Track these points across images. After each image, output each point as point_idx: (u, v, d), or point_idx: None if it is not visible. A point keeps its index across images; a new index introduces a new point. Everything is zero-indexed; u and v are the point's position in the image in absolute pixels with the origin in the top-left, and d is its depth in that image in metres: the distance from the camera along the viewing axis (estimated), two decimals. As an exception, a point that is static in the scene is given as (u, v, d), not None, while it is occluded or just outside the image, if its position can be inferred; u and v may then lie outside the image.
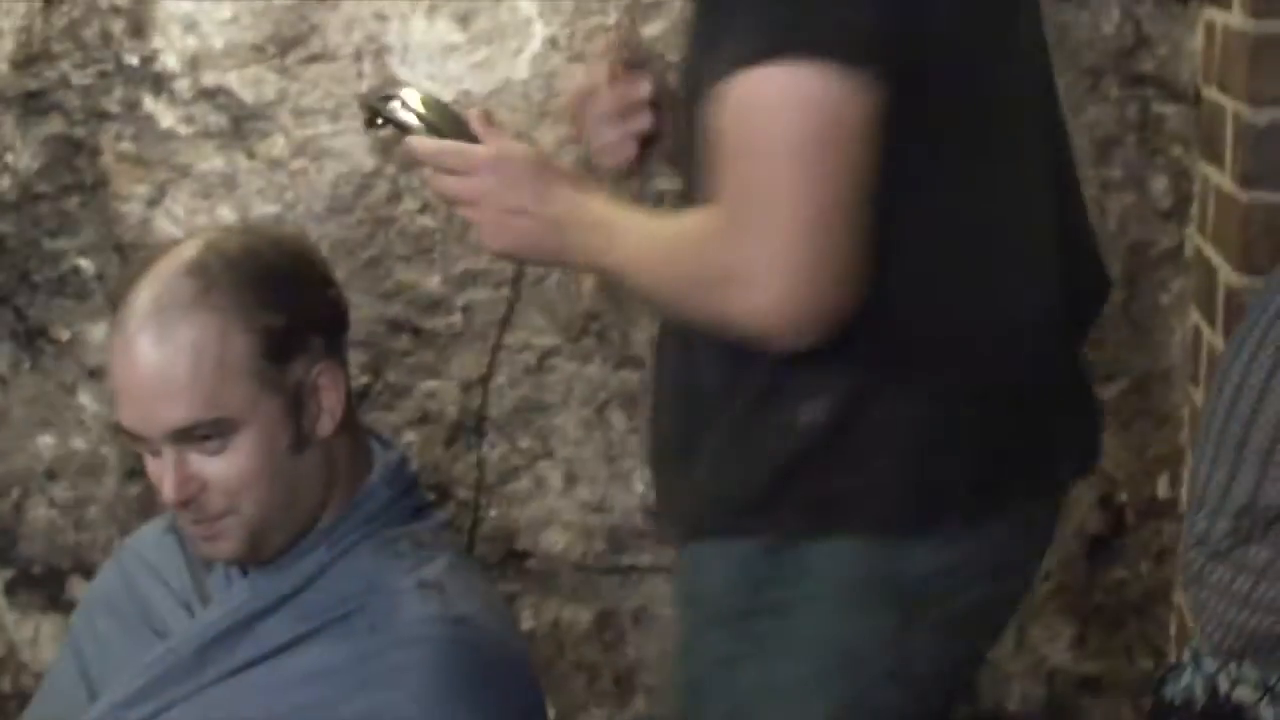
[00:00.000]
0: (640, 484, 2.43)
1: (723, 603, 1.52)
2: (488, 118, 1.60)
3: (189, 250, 1.59)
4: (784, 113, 1.34)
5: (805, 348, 1.39)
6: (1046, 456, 1.55)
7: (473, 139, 1.57)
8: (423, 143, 1.56)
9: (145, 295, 1.56)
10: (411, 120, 1.59)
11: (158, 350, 1.54)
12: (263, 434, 1.57)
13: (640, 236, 1.48)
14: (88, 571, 2.60)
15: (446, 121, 1.60)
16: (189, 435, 1.55)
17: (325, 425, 1.61)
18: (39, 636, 2.68)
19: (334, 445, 1.63)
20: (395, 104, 1.61)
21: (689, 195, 1.54)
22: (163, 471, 1.56)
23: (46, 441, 2.61)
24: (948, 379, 1.45)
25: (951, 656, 1.56)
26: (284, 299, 1.59)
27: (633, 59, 1.69)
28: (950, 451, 1.46)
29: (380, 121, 1.62)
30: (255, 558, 1.62)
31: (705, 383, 1.51)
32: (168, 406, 1.54)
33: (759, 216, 1.35)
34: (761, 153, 1.35)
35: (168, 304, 1.55)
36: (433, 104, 1.62)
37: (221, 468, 1.56)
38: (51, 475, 2.62)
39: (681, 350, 1.55)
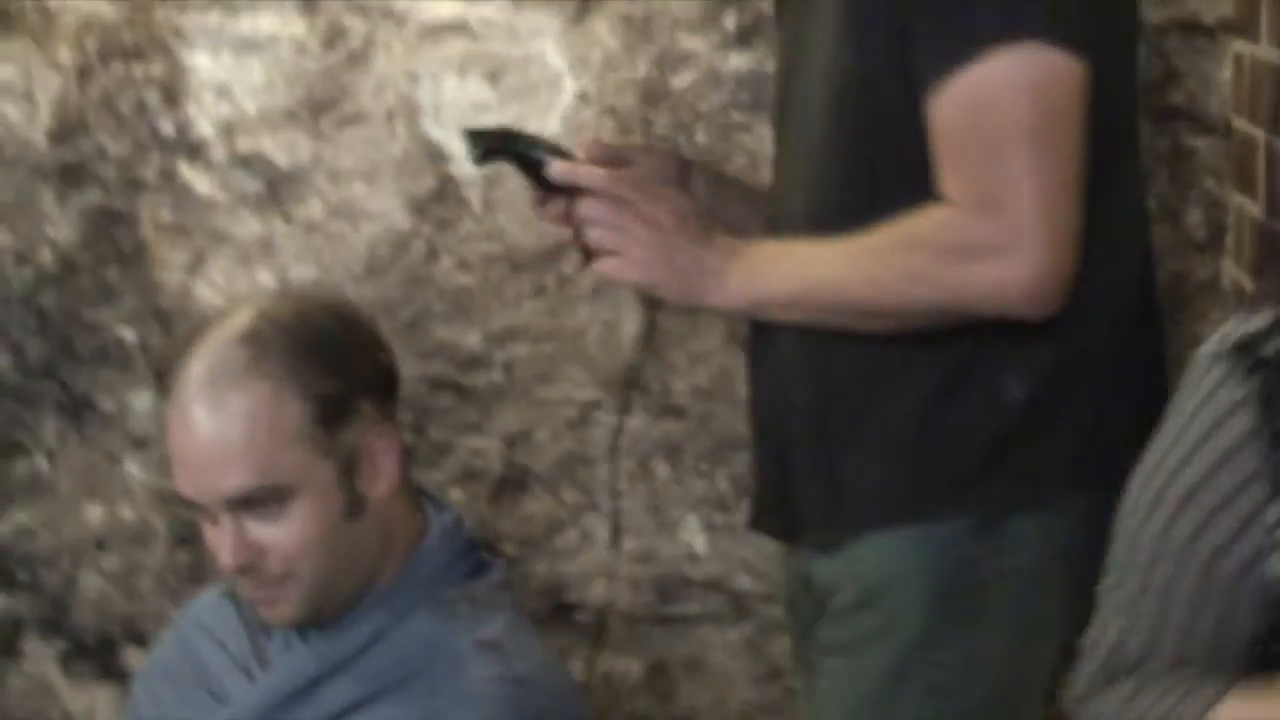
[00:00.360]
0: (685, 533, 2.43)
1: (923, 585, 1.56)
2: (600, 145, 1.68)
3: (241, 318, 1.61)
4: (1025, 95, 1.42)
5: (1047, 316, 1.46)
6: None
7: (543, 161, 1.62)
8: (592, 170, 1.58)
9: (199, 365, 1.58)
10: (531, 151, 1.63)
11: (213, 419, 1.56)
12: (318, 499, 1.59)
13: (842, 250, 1.51)
14: (140, 640, 2.62)
15: (557, 151, 1.64)
16: (245, 502, 1.56)
17: (380, 488, 1.63)
18: (94, 707, 2.69)
19: (389, 507, 1.64)
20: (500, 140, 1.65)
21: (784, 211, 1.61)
22: (221, 539, 1.58)
23: (95, 512, 2.63)
24: (1113, 351, 1.58)
25: None
26: (336, 365, 1.61)
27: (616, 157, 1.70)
28: (1123, 422, 1.51)
29: (487, 153, 1.64)
30: (315, 620, 1.63)
31: (861, 366, 1.56)
32: (224, 474, 1.56)
33: (1009, 192, 1.43)
34: (1009, 131, 1.43)
35: (221, 372, 1.57)
36: (537, 137, 1.68)
37: (279, 534, 1.58)
38: (101, 545, 2.64)
39: (803, 342, 1.59)
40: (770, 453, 1.70)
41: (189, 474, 1.59)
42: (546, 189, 1.63)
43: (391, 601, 1.65)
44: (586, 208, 1.56)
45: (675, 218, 1.55)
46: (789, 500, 1.67)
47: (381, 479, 1.63)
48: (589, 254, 1.62)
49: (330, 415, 1.59)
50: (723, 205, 1.80)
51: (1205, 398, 1.28)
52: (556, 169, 1.60)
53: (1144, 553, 1.29)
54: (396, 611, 1.64)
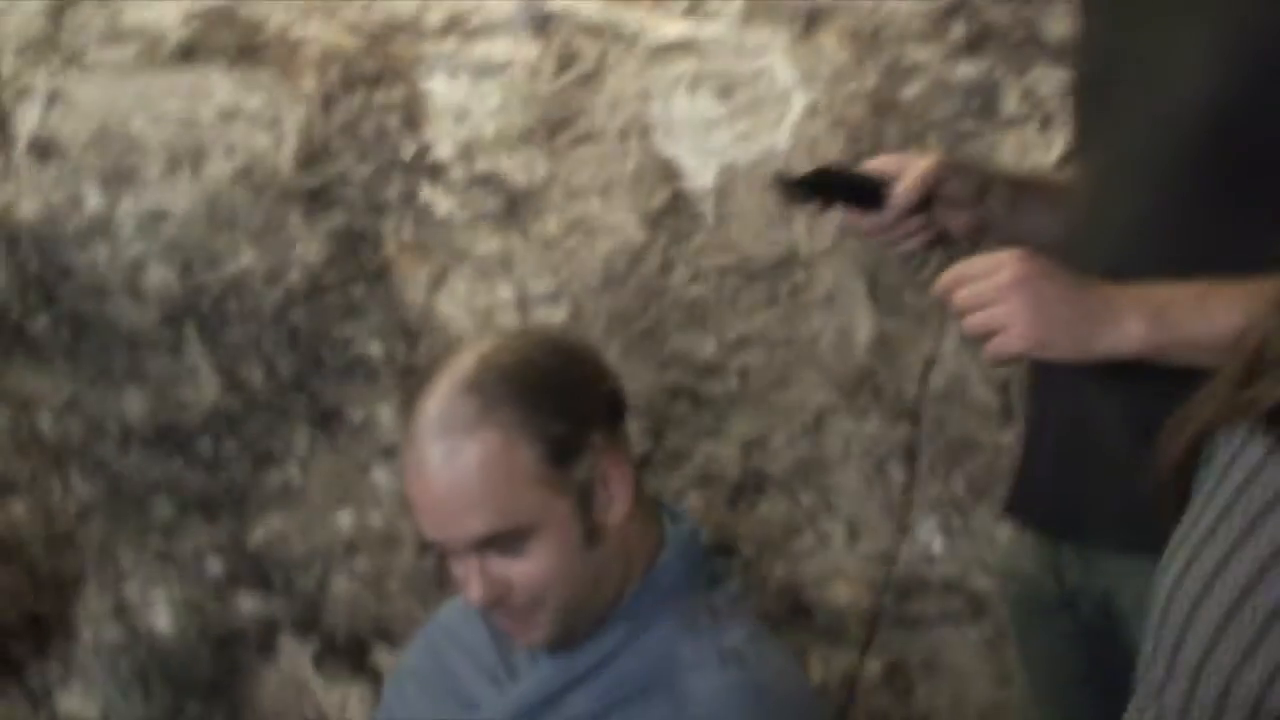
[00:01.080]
0: (923, 534, 2.46)
1: None
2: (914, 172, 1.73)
3: (465, 365, 1.65)
4: None
5: None
6: None
7: (876, 189, 1.70)
8: (948, 272, 1.56)
9: (431, 415, 1.63)
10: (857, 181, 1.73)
11: (448, 470, 1.60)
12: (557, 534, 1.62)
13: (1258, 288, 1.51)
14: (389, 640, 2.71)
15: (865, 181, 1.73)
16: (488, 544, 1.61)
17: (616, 513, 1.67)
18: (346, 702, 2.79)
19: (626, 528, 1.68)
20: (796, 187, 1.74)
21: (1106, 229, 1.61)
22: (468, 576, 1.63)
23: (345, 518, 2.73)
24: None
25: None
26: (563, 404, 1.64)
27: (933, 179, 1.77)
28: None
29: (793, 198, 1.76)
30: (568, 641, 1.68)
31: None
32: (464, 521, 1.61)
33: None
34: None
35: (451, 425, 1.61)
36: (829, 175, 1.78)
37: (523, 569, 1.62)
38: (351, 549, 2.74)
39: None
40: (1057, 446, 1.72)
41: (431, 520, 1.64)
42: (864, 208, 1.74)
43: (633, 614, 1.69)
44: (956, 303, 1.54)
45: (1037, 272, 1.51)
46: (1074, 496, 1.69)
47: (616, 504, 1.66)
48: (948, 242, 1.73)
49: (562, 454, 1.62)
50: (1022, 214, 1.81)
51: None
52: (901, 194, 1.70)
53: None
54: (639, 623, 1.69)
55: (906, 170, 1.76)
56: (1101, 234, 1.64)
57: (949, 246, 1.79)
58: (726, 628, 1.69)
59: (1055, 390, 1.70)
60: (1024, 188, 1.87)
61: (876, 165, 1.78)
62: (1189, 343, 1.50)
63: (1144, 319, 1.50)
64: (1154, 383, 1.53)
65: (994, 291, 1.51)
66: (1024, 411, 1.85)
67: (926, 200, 1.75)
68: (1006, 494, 1.87)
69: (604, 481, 1.66)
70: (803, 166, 1.73)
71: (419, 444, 1.63)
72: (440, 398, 1.63)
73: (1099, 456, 1.66)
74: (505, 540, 1.61)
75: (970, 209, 1.79)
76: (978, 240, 1.85)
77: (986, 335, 1.53)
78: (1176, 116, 1.56)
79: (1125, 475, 1.62)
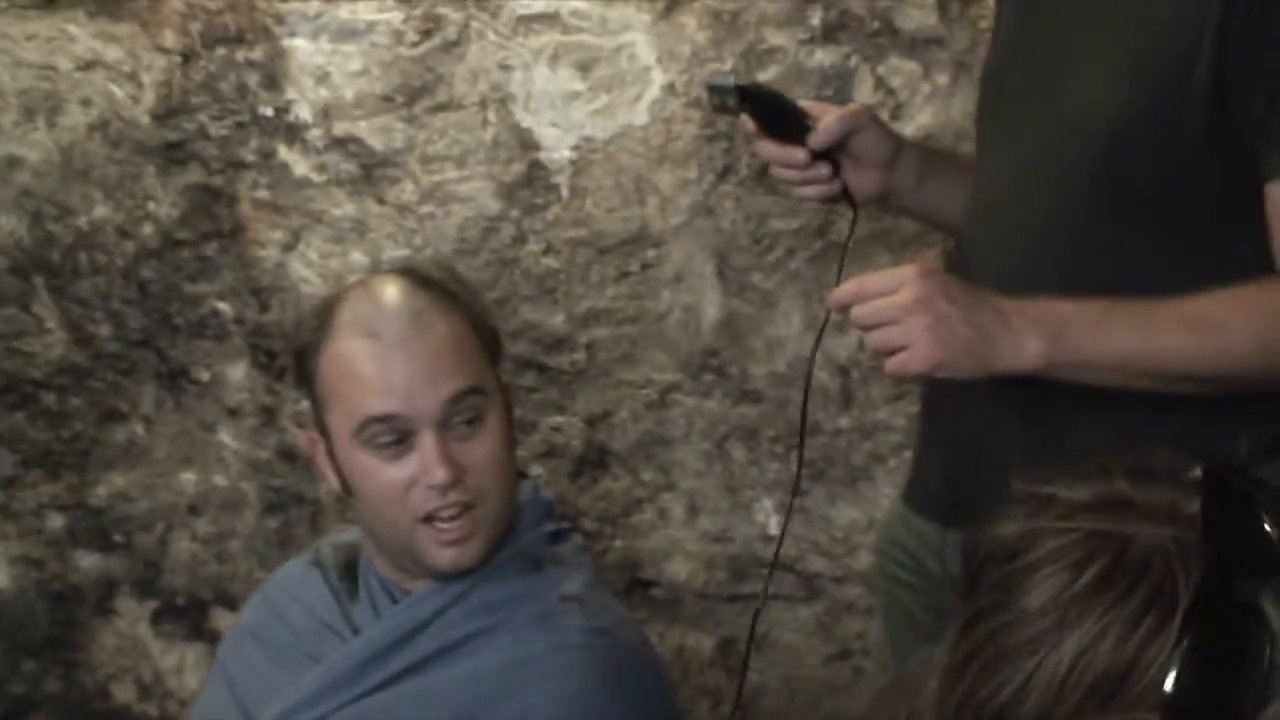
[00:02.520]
0: (760, 514, 2.49)
1: None
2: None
3: (406, 274, 1.77)
4: None
5: None
6: None
7: (801, 120, 1.71)
8: (846, 285, 1.56)
9: (393, 304, 1.73)
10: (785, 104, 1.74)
11: (424, 342, 1.70)
12: (500, 418, 1.74)
13: (1169, 318, 1.52)
14: (229, 602, 2.70)
15: (793, 109, 1.74)
16: (456, 407, 1.69)
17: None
18: (183, 665, 2.78)
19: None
20: (730, 91, 1.73)
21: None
22: (429, 457, 1.69)
23: (189, 478, 2.72)
24: None
25: None
26: (487, 316, 1.79)
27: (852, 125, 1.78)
28: None
29: (722, 104, 1.74)
30: (482, 563, 1.73)
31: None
32: (441, 382, 1.69)
33: None
34: None
35: (418, 309, 1.72)
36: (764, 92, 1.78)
37: (476, 451, 1.71)
38: (194, 510, 2.72)
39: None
40: (955, 445, 1.75)
41: (398, 395, 1.70)
42: (782, 140, 1.75)
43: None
44: (855, 318, 1.55)
45: (938, 291, 1.51)
46: (966, 496, 1.66)
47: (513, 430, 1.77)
48: (852, 200, 1.74)
49: (493, 353, 1.77)
50: (928, 190, 1.82)
51: None
52: (823, 130, 1.71)
53: None
54: (488, 567, 1.74)
55: (829, 112, 1.76)
56: (998, 242, 1.66)
57: (842, 204, 1.80)
58: (569, 575, 1.76)
59: (951, 395, 1.72)
60: (934, 163, 1.86)
61: (803, 105, 1.78)
62: (1085, 363, 1.53)
63: (1042, 338, 1.52)
64: (1048, 394, 1.57)
65: (894, 310, 1.51)
66: (921, 408, 1.87)
67: (837, 149, 1.75)
68: (904, 484, 1.90)
69: (511, 397, 1.78)
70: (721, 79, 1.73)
71: (383, 328, 1.71)
72: (398, 292, 1.73)
73: (993, 461, 1.64)
74: (468, 407, 1.70)
75: (879, 171, 1.79)
76: (882, 206, 1.88)
77: (887, 352, 1.54)
78: (1076, 131, 1.58)
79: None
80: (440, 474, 1.69)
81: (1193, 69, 1.49)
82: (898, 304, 1.51)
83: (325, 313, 1.76)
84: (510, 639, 1.70)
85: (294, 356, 1.82)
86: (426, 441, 1.69)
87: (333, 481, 1.79)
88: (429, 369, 1.70)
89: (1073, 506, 0.94)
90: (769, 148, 1.77)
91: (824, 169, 1.76)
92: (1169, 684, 0.87)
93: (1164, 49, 1.52)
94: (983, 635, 0.93)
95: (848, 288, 1.55)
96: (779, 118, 1.76)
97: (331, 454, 1.77)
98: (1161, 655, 0.88)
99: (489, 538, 1.73)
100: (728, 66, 2.37)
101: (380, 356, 1.71)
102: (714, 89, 1.75)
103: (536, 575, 1.75)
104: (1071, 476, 0.97)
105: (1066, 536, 0.93)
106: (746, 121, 1.76)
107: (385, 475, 1.72)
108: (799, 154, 1.75)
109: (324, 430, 1.77)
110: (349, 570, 1.84)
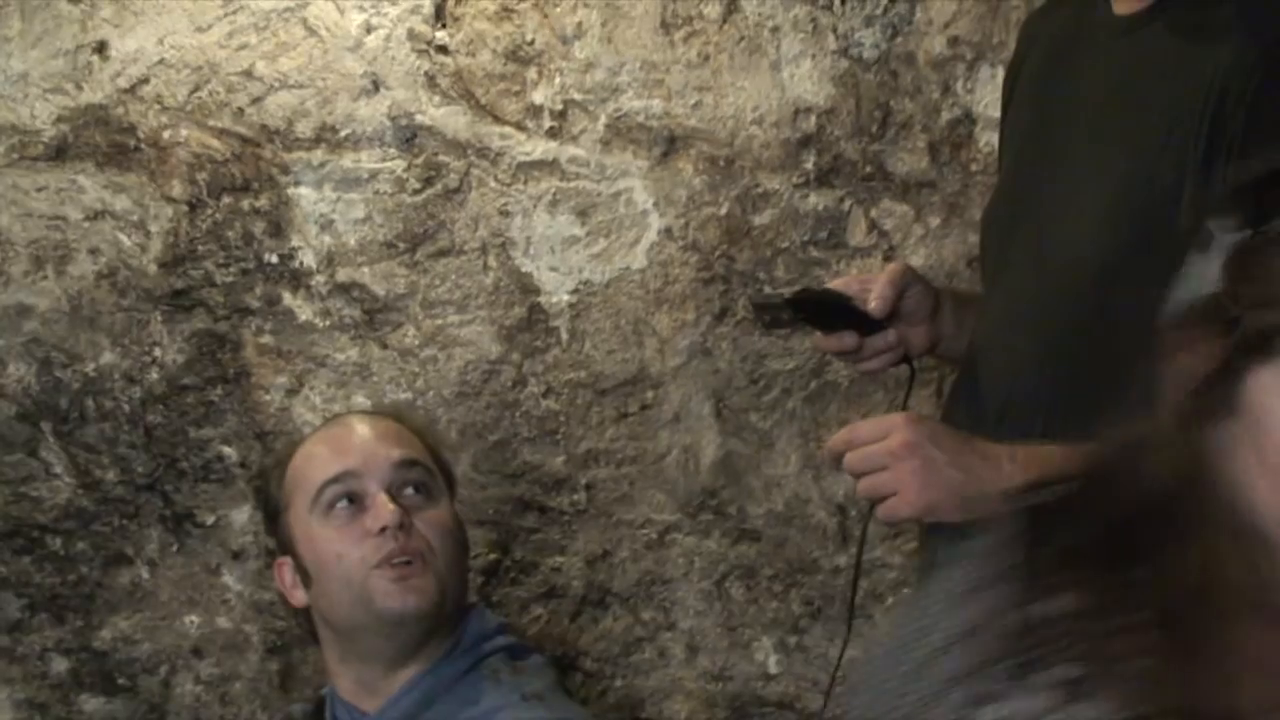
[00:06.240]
0: (760, 653, 2.49)
1: None
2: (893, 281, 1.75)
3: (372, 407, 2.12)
4: None
5: None
6: None
7: (848, 303, 1.73)
8: (839, 433, 1.60)
9: (352, 415, 2.03)
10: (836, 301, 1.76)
11: (383, 423, 1.95)
12: (449, 512, 1.91)
13: None
14: (232, 746, 2.70)
15: (835, 308, 1.76)
16: (406, 474, 1.88)
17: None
18: (185, 808, 2.77)
19: None
20: (782, 307, 1.76)
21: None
22: (377, 508, 1.85)
23: (193, 620, 2.72)
24: None
25: None
26: (443, 448, 2.01)
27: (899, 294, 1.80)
28: None
29: (774, 320, 1.82)
30: (438, 615, 1.85)
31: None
32: (392, 447, 1.90)
33: None
34: None
35: (381, 413, 1.99)
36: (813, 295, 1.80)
37: (426, 514, 1.88)
38: (198, 652, 2.72)
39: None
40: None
41: (355, 453, 1.90)
42: (830, 329, 1.77)
43: (444, 664, 1.87)
44: (846, 465, 1.58)
45: (925, 437, 1.54)
46: None
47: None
48: (909, 359, 1.76)
49: (447, 479, 1.95)
50: (966, 331, 1.83)
51: None
52: (877, 304, 1.74)
53: None
54: (448, 676, 1.86)
55: (871, 284, 1.78)
56: (996, 373, 1.69)
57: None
58: (529, 681, 1.88)
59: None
60: (966, 304, 1.88)
61: (837, 286, 1.80)
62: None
63: (1020, 468, 1.52)
64: None
65: (884, 456, 1.54)
66: (918, 547, 1.92)
67: (892, 315, 1.77)
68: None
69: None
70: (755, 297, 1.79)
71: (348, 419, 1.99)
72: (361, 411, 2.08)
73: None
74: (419, 476, 1.89)
75: (926, 324, 1.81)
76: (933, 355, 1.90)
77: (878, 498, 1.56)
78: (1068, 270, 1.61)
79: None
80: (387, 514, 1.83)
81: (1177, 210, 1.51)
82: (887, 450, 1.53)
83: (290, 445, 2.01)
84: None
85: (256, 477, 1.96)
86: (379, 498, 1.85)
87: (299, 597, 1.88)
88: (381, 436, 1.90)
89: None
90: (821, 341, 1.80)
91: (885, 338, 1.77)
92: None
93: (1147, 190, 1.55)
94: None
95: (840, 435, 1.59)
96: (827, 311, 1.77)
97: (296, 557, 1.89)
98: None
99: (440, 588, 1.84)
100: (724, 210, 2.42)
101: (336, 434, 1.92)
102: (762, 306, 1.78)
103: (496, 684, 1.85)
104: None
105: None
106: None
107: (341, 537, 1.86)
108: (849, 340, 1.77)
109: (288, 542, 1.87)
110: (319, 716, 1.97)
